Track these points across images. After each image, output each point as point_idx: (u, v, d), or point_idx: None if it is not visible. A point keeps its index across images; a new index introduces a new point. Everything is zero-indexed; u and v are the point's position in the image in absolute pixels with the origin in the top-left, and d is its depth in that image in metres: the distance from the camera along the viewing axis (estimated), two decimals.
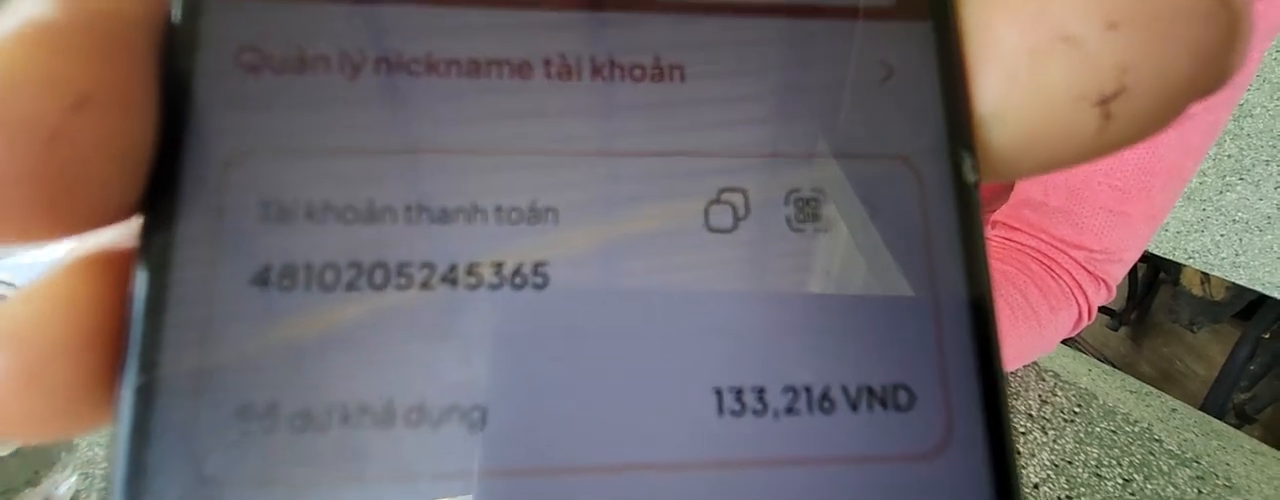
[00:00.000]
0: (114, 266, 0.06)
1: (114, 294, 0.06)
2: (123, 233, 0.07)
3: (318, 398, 0.06)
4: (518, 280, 0.07)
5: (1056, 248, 0.45)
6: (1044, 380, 0.48)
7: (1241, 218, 0.78)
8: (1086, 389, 0.48)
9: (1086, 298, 0.45)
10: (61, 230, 0.06)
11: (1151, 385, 0.61)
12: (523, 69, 0.07)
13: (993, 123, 0.07)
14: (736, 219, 0.07)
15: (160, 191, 0.06)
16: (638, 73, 0.07)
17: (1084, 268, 0.45)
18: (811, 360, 0.07)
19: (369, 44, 0.07)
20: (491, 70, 0.07)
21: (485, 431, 0.06)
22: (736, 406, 0.07)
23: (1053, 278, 0.45)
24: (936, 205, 0.07)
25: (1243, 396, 0.94)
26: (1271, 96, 0.75)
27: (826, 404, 0.07)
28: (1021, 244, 0.46)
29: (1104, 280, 0.45)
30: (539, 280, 0.07)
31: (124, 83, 0.06)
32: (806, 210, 0.07)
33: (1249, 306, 0.95)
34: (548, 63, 0.07)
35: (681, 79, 0.07)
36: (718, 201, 0.07)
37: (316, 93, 0.07)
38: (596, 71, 0.07)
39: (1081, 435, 0.43)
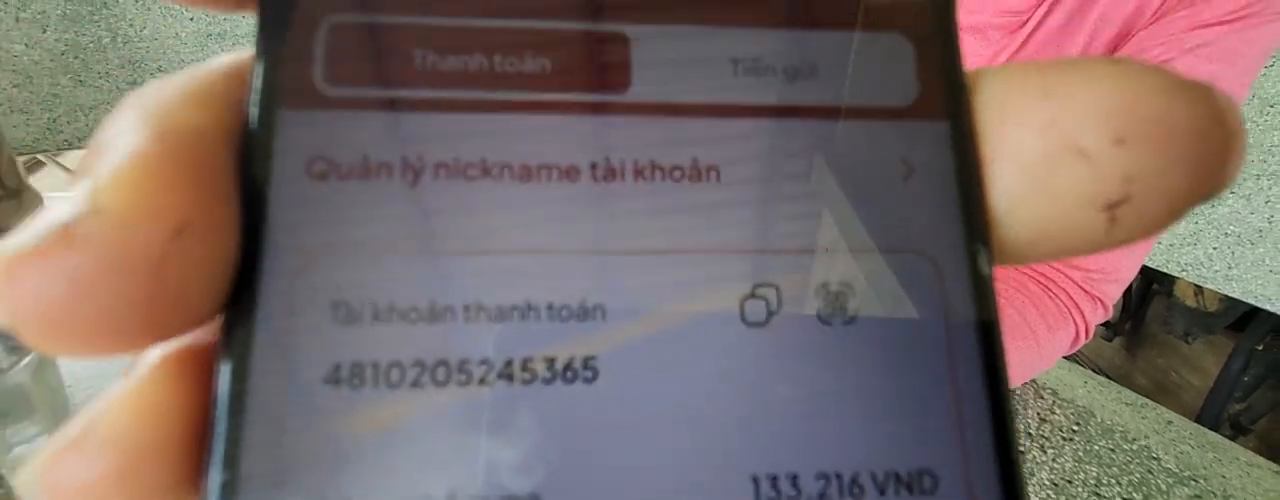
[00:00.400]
0: (196, 366, 0.07)
1: (197, 394, 0.07)
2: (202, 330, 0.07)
3: (386, 490, 0.07)
4: (569, 374, 0.07)
5: (1053, 268, 0.46)
6: (1042, 398, 0.48)
7: (1233, 231, 0.79)
8: (1084, 406, 0.48)
9: (1084, 317, 0.46)
10: (161, 340, 0.07)
11: (1147, 397, 0.62)
12: (571, 173, 0.08)
13: (1007, 219, 0.08)
14: (769, 312, 0.08)
15: (239, 294, 0.07)
16: (676, 174, 0.08)
17: (1081, 287, 0.45)
18: (842, 448, 0.07)
19: (428, 150, 0.07)
20: (542, 173, 0.08)
21: None
22: (772, 493, 0.07)
23: (1050, 298, 0.45)
24: (955, 296, 0.08)
25: (1237, 407, 0.95)
26: (1261, 112, 0.76)
27: (856, 489, 0.07)
28: (1020, 266, 0.47)
29: (1100, 299, 0.46)
30: (588, 374, 0.07)
31: (215, 204, 0.07)
32: (835, 303, 0.08)
33: (1242, 318, 0.96)
34: (594, 166, 0.08)
35: (717, 179, 0.08)
36: (752, 296, 0.08)
37: (380, 198, 0.07)
38: (639, 173, 0.08)
39: (1080, 454, 0.43)
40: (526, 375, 0.07)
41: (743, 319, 0.08)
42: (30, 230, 0.06)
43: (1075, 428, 0.46)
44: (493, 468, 0.07)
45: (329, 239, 0.07)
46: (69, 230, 0.06)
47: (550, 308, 0.07)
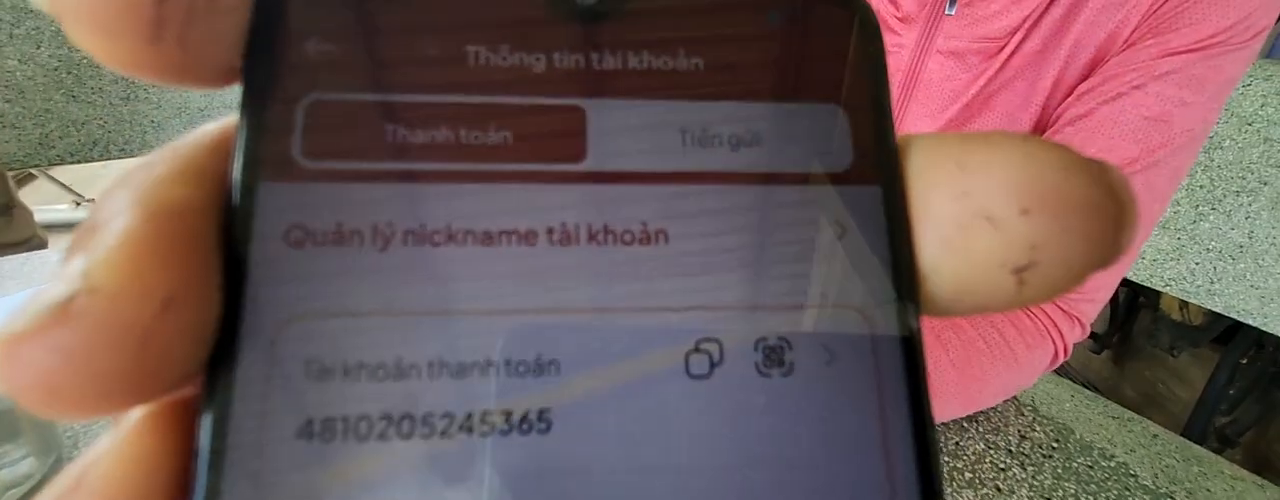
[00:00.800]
0: (178, 420, 0.07)
1: (179, 446, 0.07)
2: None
3: None
4: (525, 426, 0.08)
5: None
6: (1023, 415, 0.49)
7: (1215, 246, 0.81)
8: (1064, 424, 0.49)
9: (1062, 336, 0.46)
10: (147, 402, 0.07)
11: (1135, 410, 0.62)
12: (529, 237, 0.08)
13: (931, 277, 0.08)
14: (712, 365, 0.08)
15: (219, 354, 0.07)
16: (628, 237, 0.08)
17: (1058, 307, 0.46)
18: (782, 491, 0.08)
19: (397, 218, 0.08)
20: (502, 239, 0.08)
21: None
22: None
23: (1028, 317, 0.46)
24: (884, 348, 0.08)
25: (1223, 420, 0.96)
26: (1239, 130, 0.78)
27: None
28: None
29: (1078, 319, 0.47)
30: (542, 426, 0.08)
31: (199, 277, 0.07)
32: (773, 357, 0.08)
33: (1227, 331, 0.97)
34: (551, 231, 0.08)
35: (666, 241, 0.08)
36: (696, 350, 0.08)
37: (352, 263, 0.08)
38: (592, 237, 0.08)
39: (1059, 471, 0.44)
40: (485, 427, 0.08)
41: (687, 372, 0.08)
42: (28, 309, 0.06)
43: (1055, 444, 0.46)
44: None
45: (303, 302, 0.08)
46: (65, 308, 0.06)
47: (507, 363, 0.08)
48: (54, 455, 0.33)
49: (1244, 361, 0.90)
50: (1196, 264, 0.82)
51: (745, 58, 0.09)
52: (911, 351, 0.08)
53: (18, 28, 1.00)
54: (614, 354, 0.08)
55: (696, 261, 0.09)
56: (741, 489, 0.08)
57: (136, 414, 0.07)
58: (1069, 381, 0.66)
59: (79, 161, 1.06)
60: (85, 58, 1.04)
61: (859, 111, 0.09)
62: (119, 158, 1.07)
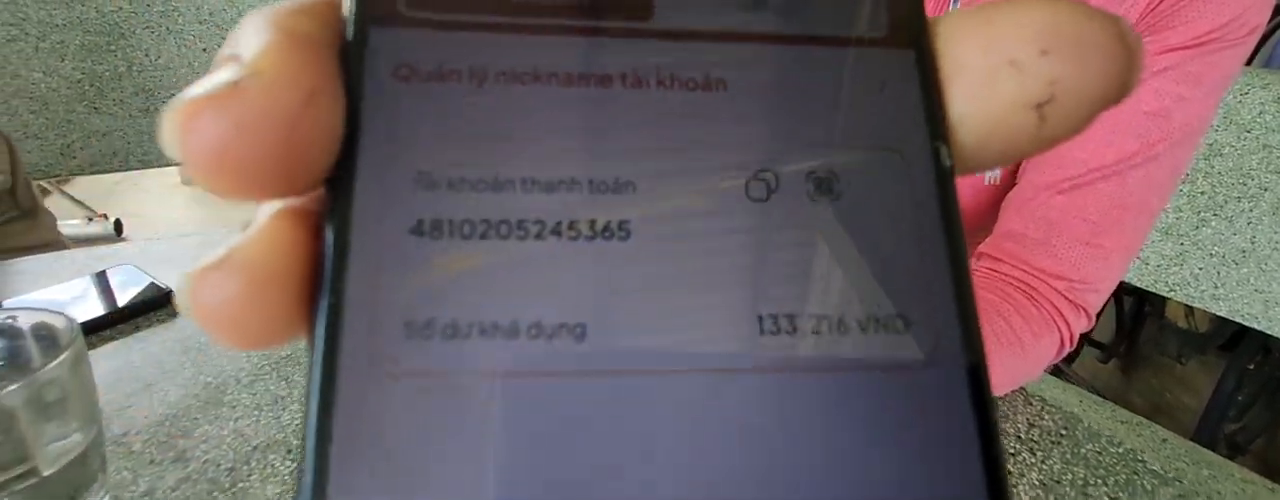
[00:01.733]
0: (307, 217, 0.09)
1: (309, 237, 0.08)
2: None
3: (461, 312, 0.08)
4: (607, 233, 0.09)
5: (1037, 277, 0.48)
6: (1031, 404, 0.49)
7: (1218, 252, 0.82)
8: (1072, 413, 0.49)
9: (1068, 324, 0.47)
10: (290, 193, 0.08)
11: (1144, 417, 0.63)
12: (605, 81, 0.09)
13: (960, 123, 0.10)
14: (769, 191, 0.09)
15: (341, 165, 0.09)
16: (691, 84, 0.10)
17: (1064, 296, 0.47)
18: (829, 295, 0.09)
19: (490, 61, 0.09)
20: (581, 81, 0.09)
21: (586, 341, 0.08)
22: (774, 328, 0.09)
23: (1034, 306, 0.47)
24: (920, 181, 0.10)
25: (1233, 427, 0.95)
26: (1239, 137, 0.79)
27: (842, 328, 0.09)
28: (1004, 274, 0.49)
29: (1083, 308, 0.48)
30: (623, 234, 0.09)
31: (331, 83, 0.08)
32: (822, 186, 0.09)
33: (1233, 338, 0.97)
34: (624, 76, 0.09)
35: (725, 89, 0.10)
36: (755, 178, 0.09)
37: (451, 97, 0.09)
38: (660, 83, 0.10)
39: (1068, 456, 0.44)
40: (573, 233, 0.09)
41: (747, 195, 0.09)
42: (202, 86, 0.08)
43: (1063, 432, 0.47)
44: (547, 303, 0.09)
45: (410, 125, 0.09)
46: (234, 86, 0.08)
47: (590, 182, 0.09)
48: (94, 428, 0.34)
49: (1251, 367, 0.90)
50: (1200, 269, 0.83)
51: None
52: (945, 185, 0.10)
53: (43, 41, 1.03)
54: (682, 179, 0.09)
55: (751, 106, 0.10)
56: (794, 291, 0.09)
57: (271, 209, 0.09)
58: (1076, 388, 0.67)
59: (99, 171, 1.08)
60: (108, 71, 1.07)
61: None
62: (137, 168, 1.09)
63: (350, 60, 0.09)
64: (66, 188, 2.16)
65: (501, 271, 0.09)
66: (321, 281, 0.08)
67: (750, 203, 0.09)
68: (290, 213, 0.09)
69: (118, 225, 1.99)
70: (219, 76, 0.08)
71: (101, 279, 0.58)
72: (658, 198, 0.09)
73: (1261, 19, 0.46)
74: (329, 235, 0.08)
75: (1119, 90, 0.09)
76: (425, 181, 0.09)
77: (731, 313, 0.09)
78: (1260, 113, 0.78)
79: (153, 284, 0.57)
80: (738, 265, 0.09)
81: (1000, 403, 0.50)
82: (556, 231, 0.09)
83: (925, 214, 0.09)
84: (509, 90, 0.09)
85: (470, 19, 0.09)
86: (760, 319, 0.09)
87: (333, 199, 0.09)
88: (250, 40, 0.08)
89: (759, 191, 0.09)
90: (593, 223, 0.09)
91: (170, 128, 0.08)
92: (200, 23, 1.11)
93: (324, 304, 0.08)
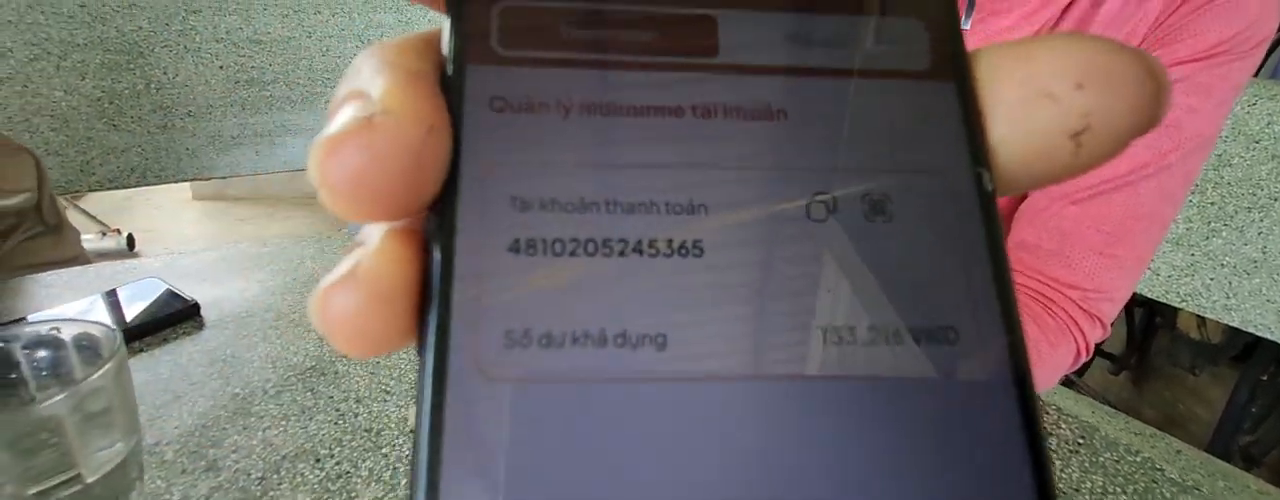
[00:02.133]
0: (417, 236, 0.09)
1: (420, 255, 0.09)
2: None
3: (555, 322, 0.09)
4: (682, 251, 0.10)
5: (1052, 287, 0.49)
6: (1047, 413, 0.50)
7: (1229, 262, 0.82)
8: (1089, 422, 0.50)
9: (1083, 333, 0.48)
10: (408, 215, 0.09)
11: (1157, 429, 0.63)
12: (677, 111, 0.10)
13: (1000, 149, 0.10)
14: (828, 212, 0.10)
15: (446, 189, 0.10)
16: (755, 114, 0.10)
17: (1079, 306, 0.48)
18: (885, 309, 0.10)
19: (575, 95, 0.10)
20: (656, 112, 0.10)
21: (666, 350, 0.09)
22: (835, 338, 0.10)
23: (1050, 315, 0.48)
24: (964, 204, 0.10)
25: (1247, 439, 0.95)
26: (1247, 148, 0.80)
27: (896, 338, 0.10)
28: (1019, 284, 0.50)
29: (1098, 318, 0.48)
30: (697, 252, 0.10)
31: (445, 118, 0.09)
32: (875, 208, 0.10)
33: (1246, 349, 0.97)
34: (694, 108, 0.10)
35: (785, 119, 0.11)
36: (814, 201, 0.10)
37: (541, 126, 0.10)
38: (727, 113, 0.10)
39: (1087, 465, 0.45)
40: (652, 250, 0.10)
41: (808, 216, 0.10)
42: (339, 123, 0.09)
43: (1080, 441, 0.47)
44: (631, 313, 0.09)
45: (507, 153, 0.10)
46: (370, 120, 0.09)
47: (667, 205, 0.10)
48: (135, 437, 0.35)
49: (1264, 379, 0.90)
50: (1211, 279, 0.83)
51: None
52: (988, 207, 0.10)
53: (64, 60, 1.05)
54: (749, 201, 0.10)
55: (810, 134, 0.11)
56: (853, 304, 0.10)
57: (382, 229, 0.09)
58: (1089, 400, 0.67)
59: (118, 187, 1.10)
60: (127, 88, 1.09)
61: (933, 24, 0.11)
62: (154, 183, 1.11)
63: (451, 93, 0.10)
64: (80, 202, 2.19)
65: (590, 285, 0.09)
66: (430, 295, 0.09)
67: (810, 223, 0.10)
68: (401, 233, 0.09)
69: (130, 240, 2.02)
70: (351, 113, 0.09)
71: (126, 293, 0.59)
72: (727, 218, 0.10)
73: (1269, 31, 0.47)
74: (436, 253, 0.09)
75: (1149, 120, 0.10)
76: (519, 204, 0.10)
77: (796, 323, 0.10)
78: (1269, 123, 0.78)
79: (178, 297, 0.58)
80: (800, 280, 0.10)
81: None
82: (638, 249, 0.10)
83: (970, 232, 0.10)
84: (591, 121, 0.10)
85: (556, 56, 0.10)
86: (823, 332, 0.10)
87: (439, 220, 0.09)
88: (373, 79, 0.09)
89: (819, 212, 0.10)
90: (670, 241, 0.10)
91: (314, 161, 0.08)
92: (217, 41, 1.14)
93: (433, 315, 0.09)
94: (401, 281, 0.09)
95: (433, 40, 0.11)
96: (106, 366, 0.32)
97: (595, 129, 0.10)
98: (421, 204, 0.09)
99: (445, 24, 0.10)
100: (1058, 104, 0.10)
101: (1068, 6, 0.47)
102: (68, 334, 0.36)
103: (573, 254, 0.10)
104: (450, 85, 0.10)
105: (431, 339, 0.09)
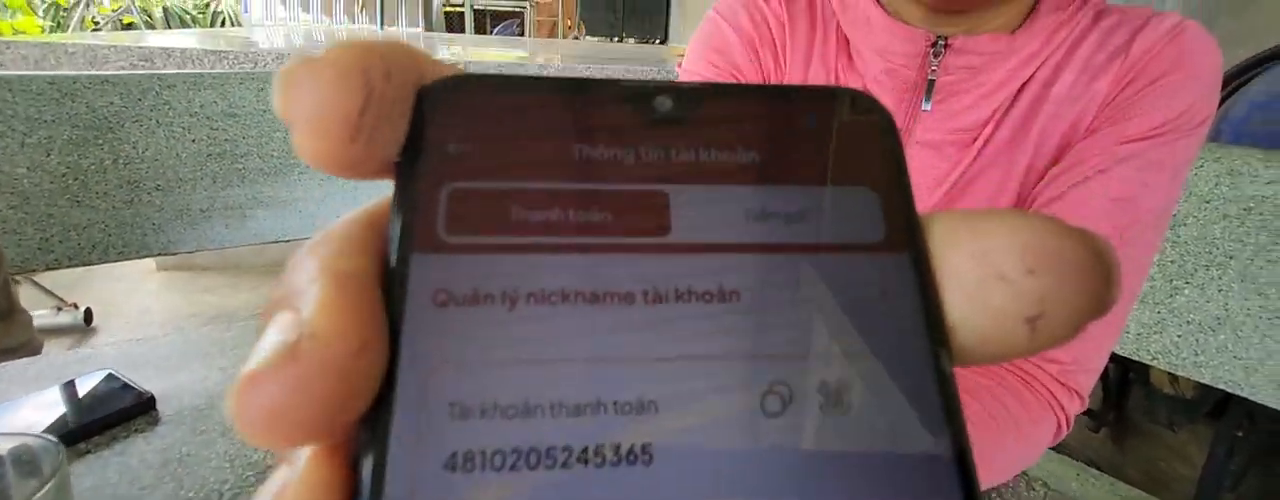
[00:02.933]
0: (341, 456, 0.09)
1: (345, 476, 0.09)
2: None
3: None
4: (630, 458, 0.09)
5: (1030, 361, 0.49)
6: (1034, 489, 0.49)
7: (1194, 319, 0.83)
8: (1077, 496, 0.49)
9: (1063, 408, 0.48)
10: (334, 438, 0.08)
11: (1141, 489, 0.62)
12: (627, 298, 0.10)
13: (959, 329, 0.10)
14: (784, 405, 0.10)
15: (381, 396, 0.09)
16: (707, 297, 0.10)
17: (1057, 380, 0.48)
18: None
19: (521, 283, 0.10)
20: (605, 299, 0.10)
21: None
22: None
23: (1029, 390, 0.47)
24: (924, 388, 0.10)
25: (1230, 498, 0.95)
26: (1199, 207, 0.82)
27: None
28: None
29: (1076, 391, 0.48)
30: (646, 457, 0.09)
31: (380, 329, 0.09)
32: (832, 398, 0.10)
33: (1218, 404, 0.98)
34: (645, 293, 0.10)
35: (739, 301, 0.10)
36: (769, 393, 0.10)
37: (484, 322, 0.10)
38: (679, 297, 0.10)
39: None
40: (598, 459, 0.09)
41: (763, 410, 0.10)
42: (261, 353, 0.08)
43: None
44: None
45: (448, 353, 0.09)
46: (294, 349, 0.08)
47: (615, 404, 0.09)
48: None
49: (1240, 434, 0.90)
50: (1179, 337, 0.84)
51: (792, 152, 0.11)
52: (947, 390, 0.10)
53: (30, 136, 1.04)
54: (701, 395, 0.10)
55: (764, 317, 0.10)
56: None
57: (308, 452, 0.09)
58: (1072, 460, 0.66)
59: (79, 264, 1.07)
60: (93, 164, 1.07)
61: (886, 193, 0.11)
62: (118, 259, 1.08)
63: (391, 288, 0.09)
64: (34, 276, 2.12)
65: None
66: None
67: (765, 418, 0.10)
68: (326, 452, 0.09)
69: (88, 314, 1.95)
70: (276, 338, 0.08)
71: (75, 387, 0.56)
72: (678, 417, 0.09)
73: (1210, 110, 0.49)
74: (365, 474, 0.09)
75: (1102, 304, 0.10)
76: (459, 411, 0.09)
77: None
78: (1216, 184, 0.81)
79: (131, 389, 0.56)
80: (756, 485, 0.09)
81: (1001, 492, 0.49)
82: (583, 459, 0.09)
83: (931, 418, 0.10)
84: (538, 311, 0.10)
85: (504, 242, 0.10)
86: None
87: (370, 436, 0.09)
88: (308, 288, 0.09)
89: (774, 405, 0.10)
90: (617, 447, 0.09)
91: (232, 394, 0.08)
92: (190, 115, 1.13)
93: None
94: None
95: (378, 222, 0.10)
96: (48, 485, 0.30)
97: (541, 321, 0.10)
98: (348, 424, 0.09)
99: (392, 207, 0.10)
100: (1011, 287, 0.10)
101: (1021, 88, 0.49)
102: (4, 448, 0.34)
103: (513, 468, 0.09)
104: (393, 277, 0.10)
105: None
